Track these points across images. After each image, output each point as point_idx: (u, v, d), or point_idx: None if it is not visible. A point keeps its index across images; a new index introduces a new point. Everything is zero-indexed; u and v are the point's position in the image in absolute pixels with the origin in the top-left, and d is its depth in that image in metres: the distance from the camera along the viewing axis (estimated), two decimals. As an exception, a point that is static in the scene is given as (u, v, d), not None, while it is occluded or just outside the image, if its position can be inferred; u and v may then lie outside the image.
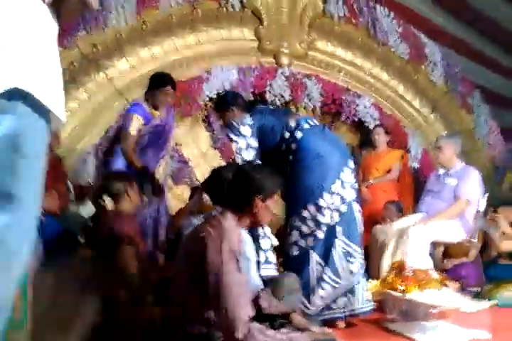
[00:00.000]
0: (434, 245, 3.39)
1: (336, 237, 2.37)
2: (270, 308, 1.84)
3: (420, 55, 5.15)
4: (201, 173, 4.63)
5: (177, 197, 4.44)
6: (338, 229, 2.38)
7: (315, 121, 2.61)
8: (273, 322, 1.84)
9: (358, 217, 2.50)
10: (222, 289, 1.54)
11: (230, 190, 1.73)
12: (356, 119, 4.89)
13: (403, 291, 2.54)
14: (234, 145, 2.54)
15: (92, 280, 1.93)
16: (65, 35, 3.69)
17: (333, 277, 2.36)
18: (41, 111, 0.85)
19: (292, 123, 2.50)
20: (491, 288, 3.08)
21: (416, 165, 4.94)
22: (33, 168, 0.85)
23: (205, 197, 3.67)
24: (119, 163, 3.06)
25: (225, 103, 2.70)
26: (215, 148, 4.67)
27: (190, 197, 3.95)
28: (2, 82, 0.79)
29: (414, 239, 3.05)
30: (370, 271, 3.24)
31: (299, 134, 2.47)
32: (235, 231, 1.66)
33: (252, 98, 4.49)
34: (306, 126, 2.50)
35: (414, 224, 3.18)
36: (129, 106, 3.21)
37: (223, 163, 4.64)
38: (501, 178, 4.97)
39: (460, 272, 3.58)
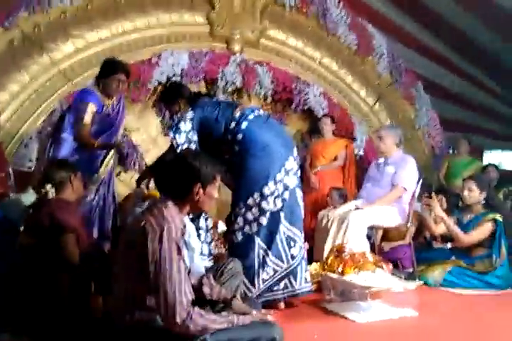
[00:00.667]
0: (374, 229, 3.60)
1: (280, 222, 2.47)
2: (212, 294, 1.90)
3: (368, 46, 5.31)
4: (151, 159, 4.61)
5: (125, 184, 4.40)
6: (282, 214, 2.49)
7: (261, 111, 2.68)
8: (214, 307, 1.91)
9: (300, 202, 2.61)
10: (162, 276, 1.56)
11: (170, 178, 1.75)
12: (306, 107, 5.01)
13: (341, 273, 2.70)
14: (173, 141, 2.55)
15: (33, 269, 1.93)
16: (6, 16, 3.53)
17: (276, 261, 2.47)
18: None
19: (237, 114, 2.56)
20: (422, 269, 3.32)
21: (361, 152, 5.15)
22: None
23: (151, 183, 3.69)
24: (63, 151, 2.98)
25: (171, 95, 2.72)
26: (165, 134, 4.65)
27: (137, 185, 3.94)
28: None
29: (354, 224, 3.22)
30: (315, 254, 3.41)
31: (244, 124, 2.53)
32: (175, 219, 1.68)
33: (203, 84, 4.50)
34: (251, 116, 2.56)
35: (354, 210, 3.35)
36: (81, 94, 3.07)
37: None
38: (438, 166, 5.27)
39: (397, 254, 3.83)
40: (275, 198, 2.48)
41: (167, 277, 1.57)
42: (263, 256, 2.47)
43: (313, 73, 5.14)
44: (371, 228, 3.47)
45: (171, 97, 2.70)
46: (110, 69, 3.03)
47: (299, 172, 2.64)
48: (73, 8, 3.96)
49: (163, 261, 1.58)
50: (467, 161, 5.03)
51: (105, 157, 3.19)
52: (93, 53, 4.07)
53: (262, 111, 2.70)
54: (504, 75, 6.50)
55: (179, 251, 1.63)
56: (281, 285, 2.50)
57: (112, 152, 3.26)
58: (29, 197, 2.51)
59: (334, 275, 2.64)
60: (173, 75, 4.47)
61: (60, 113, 3.48)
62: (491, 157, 6.89)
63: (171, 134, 2.53)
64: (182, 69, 4.49)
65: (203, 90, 4.75)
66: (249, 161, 2.49)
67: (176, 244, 1.62)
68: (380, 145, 3.68)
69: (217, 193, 1.82)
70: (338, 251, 2.89)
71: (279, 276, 2.48)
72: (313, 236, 3.56)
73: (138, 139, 4.54)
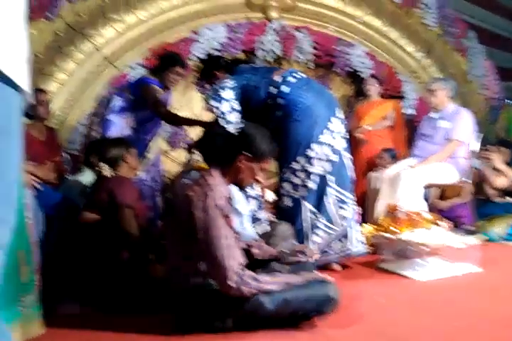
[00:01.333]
0: (430, 188, 3.48)
1: (328, 186, 2.46)
2: (261, 253, 1.92)
3: (412, -1, 5.01)
4: (195, 135, 4.69)
5: (174, 161, 4.53)
6: (330, 177, 2.46)
7: (301, 74, 2.62)
8: (267, 267, 1.94)
9: (349, 164, 2.57)
10: (210, 243, 1.60)
11: (220, 145, 1.76)
12: (350, 69, 4.85)
13: (395, 232, 2.66)
14: (216, 110, 2.55)
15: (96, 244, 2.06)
16: (48, 7, 3.66)
17: (328, 224, 2.47)
18: (6, 80, 0.84)
19: (277, 79, 2.52)
20: (482, 224, 3.20)
21: (411, 111, 4.94)
22: (6, 138, 0.86)
23: (196, 157, 3.77)
24: (111, 133, 3.08)
25: (207, 69, 2.73)
26: (209, 110, 4.69)
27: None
28: None
29: (407, 183, 3.13)
30: (367, 216, 3.37)
31: (285, 89, 2.49)
32: (220, 187, 1.70)
33: (241, 55, 4.46)
34: (291, 79, 2.52)
35: (407, 169, 3.25)
36: (142, 79, 3.05)
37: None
38: (496, 118, 4.96)
39: (455, 213, 3.70)
40: (321, 161, 2.46)
41: (214, 243, 1.60)
42: (313, 220, 2.47)
43: (356, 33, 4.95)
44: (427, 187, 3.36)
45: (208, 71, 2.71)
46: (168, 62, 3.06)
47: (347, 134, 2.59)
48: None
49: (209, 227, 1.62)
50: (530, 111, 4.69)
51: (150, 139, 3.28)
52: (134, 35, 4.14)
53: (301, 74, 2.65)
54: None
55: (225, 217, 1.66)
56: (334, 247, 2.50)
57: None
58: (87, 177, 2.65)
59: (388, 234, 2.61)
60: (213, 49, 4.47)
61: (108, 96, 3.60)
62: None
63: (213, 103, 2.53)
64: (220, 43, 4.48)
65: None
66: (291, 125, 2.47)
67: (221, 210, 1.65)
68: (432, 99, 3.51)
69: (261, 176, 1.81)
70: (391, 210, 2.84)
71: (332, 239, 2.49)
72: (364, 198, 3.51)
73: (182, 116, 4.62)
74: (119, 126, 3.08)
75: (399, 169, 3.32)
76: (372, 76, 4.63)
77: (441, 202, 3.77)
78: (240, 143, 1.74)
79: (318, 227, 2.47)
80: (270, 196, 3.56)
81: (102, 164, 2.26)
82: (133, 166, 2.39)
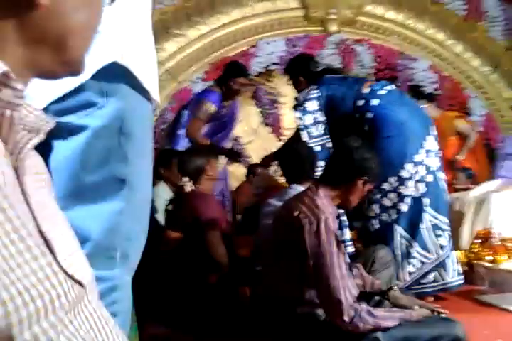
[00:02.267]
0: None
1: (423, 210, 2.25)
2: (365, 285, 1.76)
3: (477, 11, 4.80)
4: (253, 150, 4.58)
5: (231, 176, 4.42)
6: (425, 200, 2.25)
7: (392, 86, 2.45)
8: (369, 301, 1.76)
9: (444, 186, 2.36)
10: (324, 272, 1.46)
11: (334, 165, 1.65)
12: (413, 83, 4.65)
13: (492, 261, 2.42)
14: (298, 122, 2.42)
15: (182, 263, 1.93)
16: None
17: (422, 252, 2.24)
18: (141, 91, 0.82)
19: (366, 90, 2.35)
20: None
21: (479, 128, 4.69)
22: (142, 151, 0.82)
23: (266, 173, 3.62)
24: (179, 148, 3.03)
25: (295, 70, 2.58)
26: (266, 124, 4.59)
27: (248, 175, 3.92)
28: (103, 57, 0.75)
29: (498, 206, 2.88)
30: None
31: (374, 101, 2.32)
32: (329, 209, 1.58)
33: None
34: (382, 92, 2.35)
35: (495, 190, 3.00)
36: (202, 92, 3.14)
37: (275, 139, 4.57)
38: None
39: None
40: (416, 182, 2.25)
41: (328, 272, 1.46)
42: (407, 247, 2.25)
43: (419, 46, 4.77)
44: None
45: (295, 72, 2.56)
46: (233, 72, 3.02)
47: (440, 153, 2.39)
48: (171, 7, 4.01)
49: (323, 255, 1.47)
50: None
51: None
52: (195, 50, 4.10)
53: (393, 86, 2.47)
54: None
55: (338, 244, 1.52)
56: (430, 278, 2.26)
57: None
58: (160, 192, 2.53)
59: (488, 264, 2.37)
60: (272, 64, 4.39)
61: (176, 110, 3.55)
62: None
63: (297, 114, 2.38)
64: (279, 57, 4.39)
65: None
66: (381, 142, 2.28)
67: (335, 236, 1.52)
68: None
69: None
70: (484, 237, 2.60)
71: (427, 269, 2.25)
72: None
73: (239, 131, 4.53)
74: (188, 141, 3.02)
75: (485, 190, 3.08)
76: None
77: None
78: (359, 165, 1.60)
79: (411, 255, 2.24)
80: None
81: (184, 178, 2.12)
82: (214, 179, 2.24)
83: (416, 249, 2.24)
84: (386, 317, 1.48)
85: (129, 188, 0.78)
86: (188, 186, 2.05)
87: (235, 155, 3.18)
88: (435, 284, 2.27)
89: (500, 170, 3.30)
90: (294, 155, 2.14)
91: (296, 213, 1.55)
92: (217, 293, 1.89)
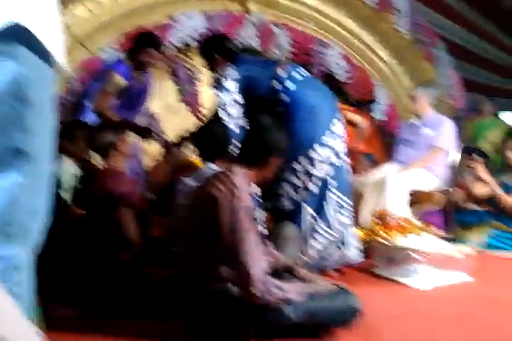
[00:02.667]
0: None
1: (330, 190, 2.38)
2: (274, 262, 1.83)
3: (388, 4, 5.07)
4: (170, 128, 4.47)
5: (147, 154, 4.29)
6: (331, 182, 2.39)
7: (305, 71, 2.52)
8: (277, 275, 1.84)
9: (348, 169, 2.51)
10: (237, 247, 1.51)
11: (248, 145, 1.67)
12: (326, 70, 4.82)
13: (387, 238, 2.65)
14: (218, 100, 2.41)
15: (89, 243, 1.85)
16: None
17: (327, 229, 2.39)
18: (44, 55, 0.77)
19: (283, 74, 2.40)
20: (461, 233, 3.28)
21: (383, 117, 5.02)
22: (43, 121, 0.77)
23: (183, 151, 3.56)
24: (89, 118, 2.87)
25: (210, 49, 2.53)
26: (184, 102, 4.49)
27: (164, 154, 3.82)
28: (1, 16, 0.70)
29: (394, 188, 3.14)
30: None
31: (289, 84, 2.38)
32: (245, 187, 1.62)
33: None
34: (296, 75, 2.41)
35: (392, 174, 3.26)
36: (110, 64, 2.95)
37: (192, 117, 4.50)
38: (461, 128, 5.16)
39: (429, 219, 3.77)
40: (324, 164, 2.38)
41: (241, 248, 1.52)
42: (313, 225, 2.38)
43: (332, 34, 4.93)
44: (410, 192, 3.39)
45: (210, 51, 2.51)
46: (143, 42, 2.89)
47: (344, 138, 2.53)
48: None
49: (236, 230, 1.52)
50: (491, 122, 4.92)
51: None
52: (108, 17, 3.84)
53: (305, 71, 2.54)
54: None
55: (252, 220, 1.58)
56: (333, 253, 2.43)
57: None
58: (66, 167, 2.38)
59: (384, 241, 2.59)
60: (190, 39, 4.27)
61: (83, 81, 3.31)
62: (506, 118, 6.76)
63: (216, 92, 2.38)
64: (198, 33, 4.28)
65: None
66: (294, 124, 2.36)
67: (249, 212, 1.56)
68: (413, 106, 3.57)
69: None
70: (381, 216, 2.83)
71: (331, 245, 2.41)
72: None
73: (156, 107, 4.39)
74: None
75: (383, 174, 3.33)
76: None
77: (416, 208, 3.83)
78: (272, 144, 1.64)
79: (317, 232, 2.38)
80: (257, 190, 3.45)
81: (92, 153, 2.01)
82: (125, 155, 2.15)
83: (322, 227, 2.38)
84: (292, 290, 1.58)
85: (29, 160, 0.73)
86: (98, 162, 1.95)
87: (148, 132, 3.05)
88: (338, 259, 2.45)
89: (396, 155, 3.57)
90: (210, 135, 2.13)
91: (212, 191, 1.57)
92: (128, 272, 1.85)
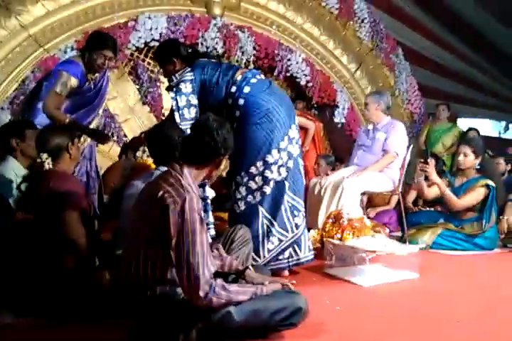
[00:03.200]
0: (362, 195, 3.62)
1: (285, 192, 2.43)
2: (223, 266, 1.83)
3: (349, 11, 5.21)
4: (129, 129, 4.45)
5: (104, 155, 4.25)
6: (286, 184, 2.44)
7: (262, 76, 2.57)
8: (226, 279, 1.85)
9: (302, 171, 2.57)
10: (185, 249, 1.50)
11: (193, 145, 1.65)
12: (288, 74, 4.91)
13: (340, 239, 2.72)
14: (173, 103, 2.39)
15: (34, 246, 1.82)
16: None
17: (281, 231, 2.44)
18: None
19: (238, 77, 2.44)
20: (412, 233, 3.40)
21: (343, 120, 5.15)
22: None
23: (138, 154, 3.55)
24: (40, 119, 2.79)
25: (166, 54, 2.54)
26: (144, 103, 4.48)
27: (120, 155, 3.79)
28: None
29: (348, 190, 3.23)
30: (308, 221, 3.41)
31: (246, 89, 2.42)
32: (194, 188, 1.63)
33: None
34: (253, 80, 2.45)
35: (348, 177, 3.35)
36: (63, 64, 2.84)
37: (153, 118, 4.48)
38: (418, 132, 5.35)
39: (382, 219, 3.90)
40: (279, 167, 2.42)
41: (190, 249, 1.51)
42: (267, 226, 2.43)
43: (295, 39, 5.03)
44: (362, 194, 3.50)
45: (166, 55, 2.51)
46: (97, 43, 2.79)
47: (300, 140, 2.59)
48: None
49: (185, 233, 1.52)
50: (447, 127, 5.12)
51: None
52: (66, 16, 3.80)
53: (263, 76, 2.59)
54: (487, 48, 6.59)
55: (201, 222, 1.57)
56: (286, 254, 2.48)
57: (95, 121, 3.09)
58: (10, 166, 2.34)
59: (336, 241, 2.66)
60: (151, 40, 4.27)
61: (37, 80, 3.25)
62: (464, 123, 7.05)
63: (171, 95, 2.38)
64: (160, 34, 4.29)
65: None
66: (250, 128, 2.40)
67: (199, 214, 1.56)
68: (366, 112, 3.69)
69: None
70: (335, 217, 2.90)
71: (284, 246, 2.46)
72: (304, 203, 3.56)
73: (115, 108, 4.36)
74: None
75: (340, 176, 3.42)
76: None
77: (370, 209, 3.95)
78: (216, 146, 1.65)
79: (272, 234, 2.43)
80: (211, 194, 3.46)
81: (43, 155, 1.98)
82: (75, 158, 2.12)
83: (276, 228, 2.43)
84: (239, 291, 1.58)
85: None
86: (46, 163, 1.93)
87: (100, 136, 2.98)
88: (290, 260, 2.50)
89: (354, 159, 3.67)
90: (162, 137, 2.13)
91: (160, 193, 1.56)
92: (75, 277, 1.83)
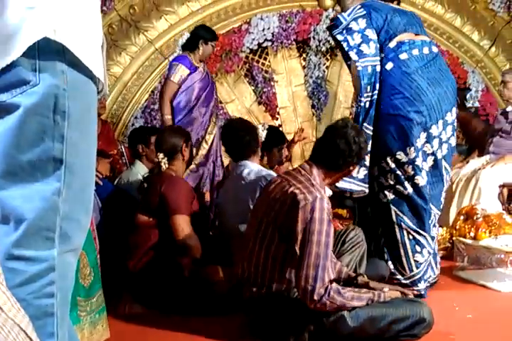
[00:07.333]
0: (501, 188, 3.19)
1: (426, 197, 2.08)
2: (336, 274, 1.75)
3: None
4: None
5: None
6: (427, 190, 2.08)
7: (433, 48, 2.11)
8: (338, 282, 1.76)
9: (445, 176, 2.17)
10: (308, 248, 1.49)
11: (327, 150, 1.66)
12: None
13: (473, 238, 2.43)
14: (344, 44, 2.05)
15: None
16: (103, 0, 3.62)
17: (431, 242, 2.11)
18: (83, 70, 0.79)
19: (393, 43, 2.02)
20: None
21: (476, 104, 4.62)
22: (83, 132, 0.80)
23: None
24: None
25: None
26: (259, 103, 4.56)
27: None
28: (35, 33, 0.73)
29: (485, 182, 2.87)
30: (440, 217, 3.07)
31: (389, 65, 2.01)
32: (323, 189, 1.61)
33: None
34: (402, 55, 2.02)
35: (483, 167, 2.98)
36: (173, 59, 3.20)
37: (268, 117, 4.55)
38: None
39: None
40: (422, 170, 2.04)
41: (313, 249, 1.48)
42: (412, 235, 2.05)
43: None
44: (500, 186, 3.07)
45: None
46: (210, 35, 3.11)
47: (452, 139, 2.15)
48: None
49: (312, 231, 1.49)
50: None
51: (208, 123, 3.18)
52: (186, 28, 4.06)
53: (434, 48, 2.12)
54: None
55: (329, 223, 1.53)
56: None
57: (212, 123, 3.24)
58: (138, 170, 2.58)
59: (468, 241, 2.38)
60: (264, 40, 4.33)
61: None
62: None
63: (340, 37, 2.05)
64: (272, 34, 4.33)
65: (294, 53, 4.56)
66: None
67: (328, 215, 1.54)
68: (504, 92, 3.23)
69: None
70: (468, 213, 2.60)
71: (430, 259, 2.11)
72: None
73: (233, 110, 4.51)
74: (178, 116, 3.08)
75: (473, 167, 3.06)
76: None
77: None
78: (357, 154, 1.65)
79: (421, 245, 2.06)
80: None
81: (160, 155, 2.10)
82: (187, 160, 2.21)
83: (427, 239, 2.10)
84: (354, 297, 1.52)
85: (67, 168, 0.77)
86: (163, 163, 2.05)
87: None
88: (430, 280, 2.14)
89: (489, 146, 3.24)
90: (234, 134, 2.20)
91: (291, 189, 1.56)
92: (192, 278, 1.93)
